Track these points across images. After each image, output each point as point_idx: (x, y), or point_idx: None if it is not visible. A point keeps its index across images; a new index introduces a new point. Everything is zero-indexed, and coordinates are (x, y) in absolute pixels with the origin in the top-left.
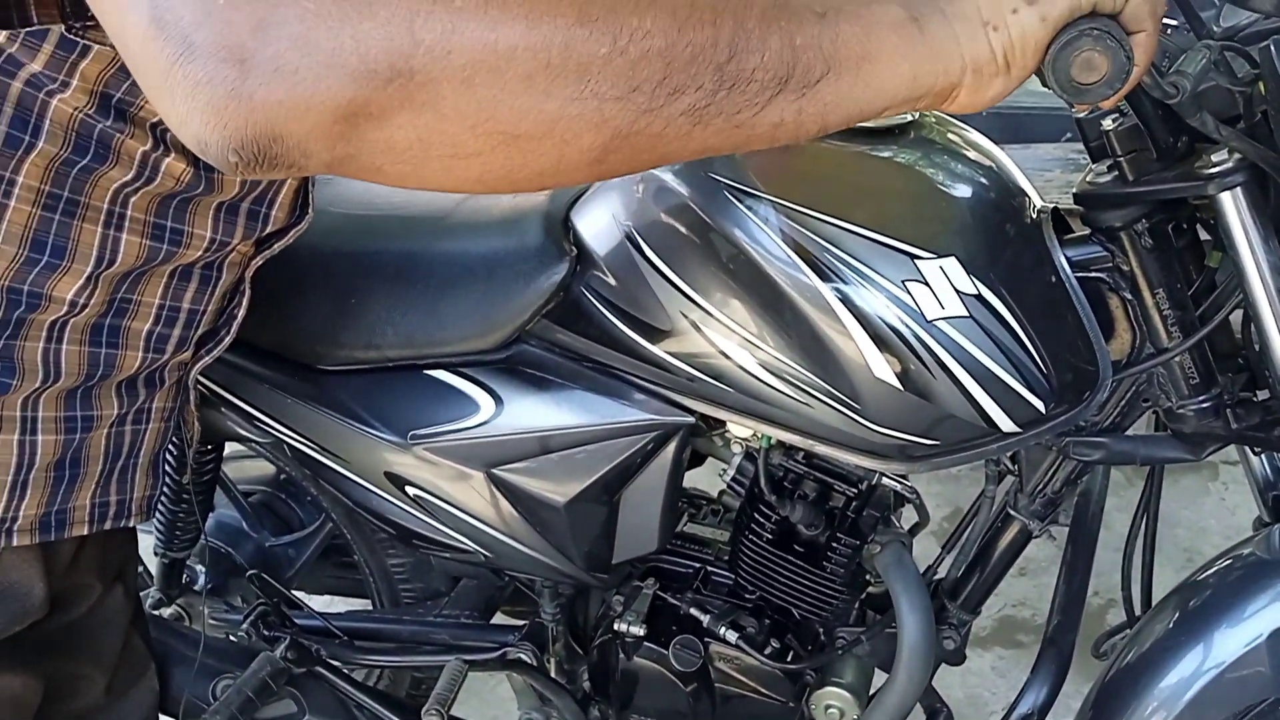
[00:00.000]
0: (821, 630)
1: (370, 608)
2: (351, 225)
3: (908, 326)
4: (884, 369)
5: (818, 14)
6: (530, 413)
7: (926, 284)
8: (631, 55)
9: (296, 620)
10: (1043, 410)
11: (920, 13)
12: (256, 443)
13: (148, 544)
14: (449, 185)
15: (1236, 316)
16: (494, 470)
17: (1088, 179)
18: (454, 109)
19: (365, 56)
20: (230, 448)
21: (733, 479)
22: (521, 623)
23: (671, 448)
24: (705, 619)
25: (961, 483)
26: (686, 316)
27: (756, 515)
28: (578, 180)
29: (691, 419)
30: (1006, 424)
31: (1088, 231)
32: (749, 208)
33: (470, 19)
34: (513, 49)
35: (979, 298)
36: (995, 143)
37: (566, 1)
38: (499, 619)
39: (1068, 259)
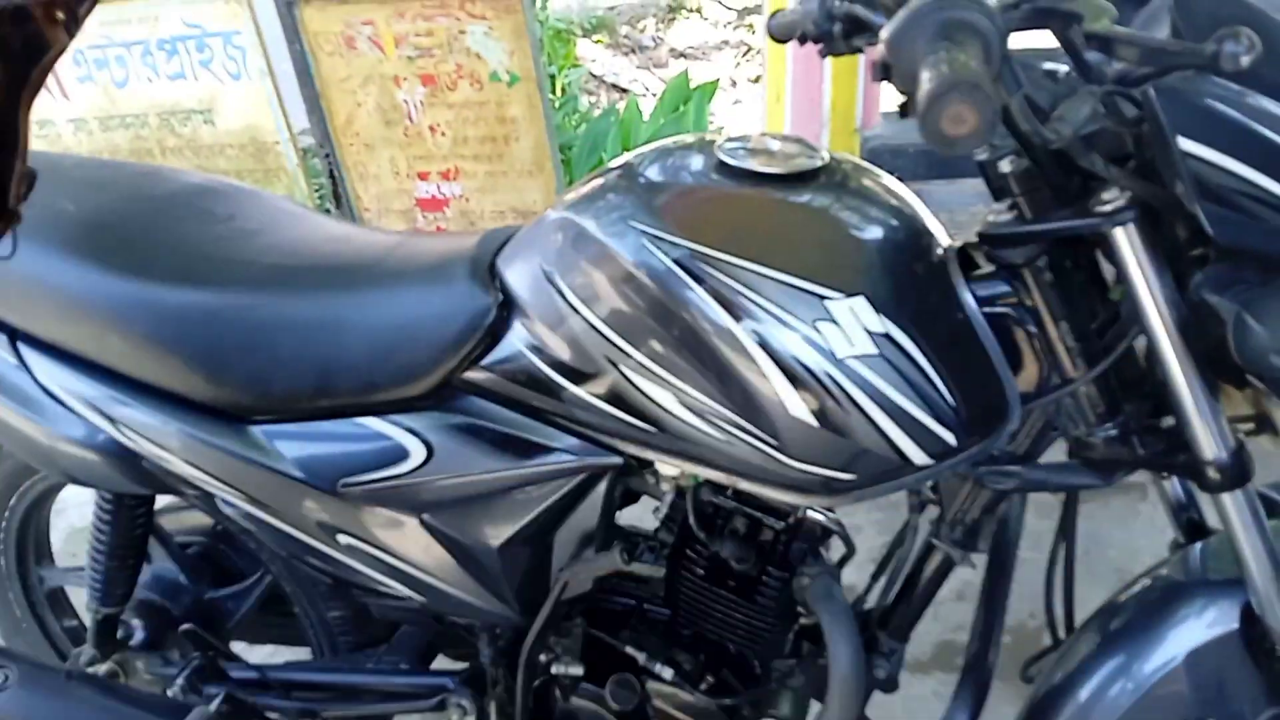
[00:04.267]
0: (756, 663)
1: (309, 658)
2: (279, 275)
3: (820, 365)
4: (799, 407)
5: None
6: (461, 458)
7: (836, 323)
8: None
9: (232, 674)
10: (954, 442)
11: None
12: (188, 495)
13: (81, 599)
14: None
15: (1142, 345)
16: (426, 516)
17: (989, 217)
18: None
19: None
20: (169, 499)
21: (666, 516)
22: (461, 666)
23: (602, 488)
24: (641, 656)
25: (900, 510)
26: (610, 359)
27: (689, 551)
28: None
29: (620, 459)
30: (919, 457)
31: (993, 268)
32: (666, 253)
33: None
34: None
35: (887, 336)
36: (922, 178)
37: None
38: (440, 663)
39: (974, 295)
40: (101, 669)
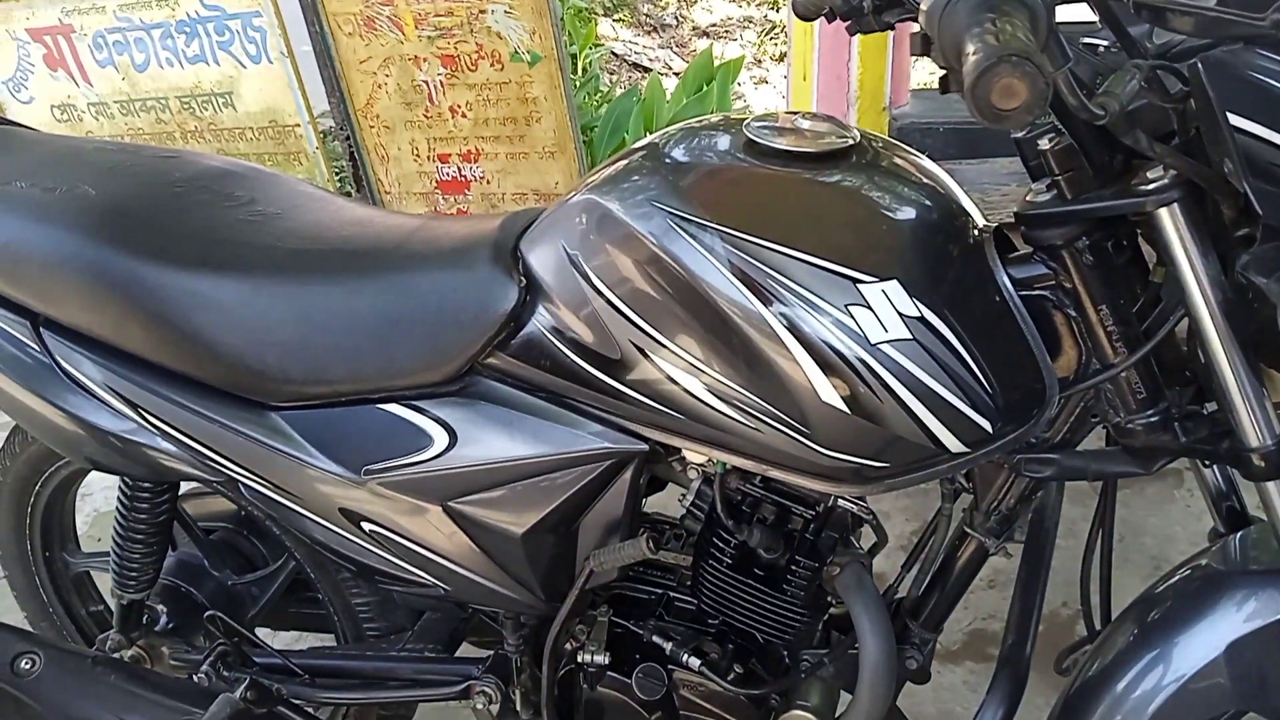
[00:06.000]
0: (785, 653)
1: (334, 644)
2: (301, 261)
3: (852, 350)
4: (830, 393)
5: None
6: (484, 445)
7: (869, 307)
8: None
9: (257, 660)
10: (990, 430)
11: None
12: (211, 481)
13: (107, 584)
14: None
15: (1183, 329)
16: (450, 503)
17: (1028, 198)
18: None
19: None
20: (192, 484)
21: (692, 504)
22: (485, 654)
23: (628, 475)
24: (668, 646)
25: (930, 497)
26: (636, 345)
27: (716, 540)
28: None
29: (645, 446)
30: (954, 445)
31: (1031, 250)
32: (693, 236)
33: None
34: None
35: (922, 320)
36: (953, 158)
37: None
38: (465, 651)
39: (1011, 278)
40: (127, 654)
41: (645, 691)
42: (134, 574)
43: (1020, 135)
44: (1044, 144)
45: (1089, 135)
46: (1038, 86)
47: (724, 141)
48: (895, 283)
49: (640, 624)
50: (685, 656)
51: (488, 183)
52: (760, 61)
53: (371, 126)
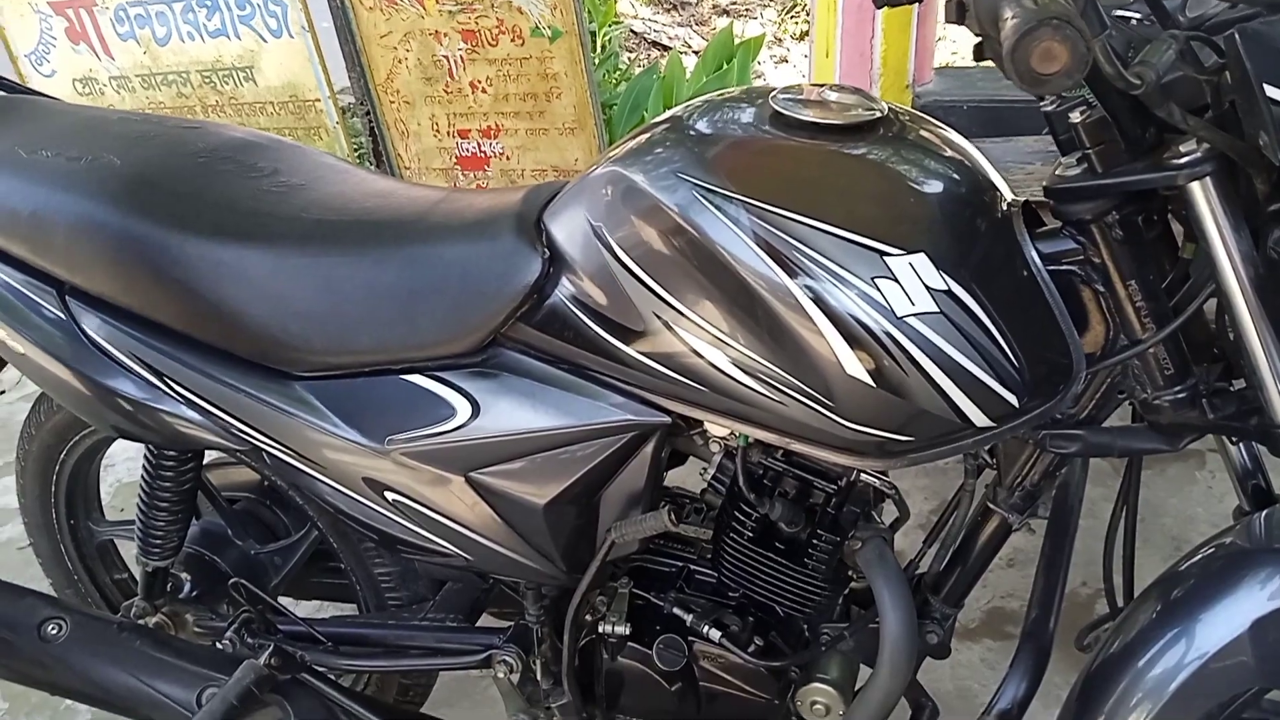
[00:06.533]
0: (805, 627)
1: (356, 613)
2: (325, 231)
3: (878, 323)
4: (856, 366)
5: None
6: (507, 416)
7: (896, 280)
8: None
9: (281, 627)
10: (1016, 404)
11: None
12: (235, 450)
13: (130, 552)
14: None
15: (1211, 306)
16: (472, 474)
17: (1057, 172)
18: None
19: None
20: (216, 454)
21: (713, 477)
22: (506, 624)
23: (649, 448)
24: (689, 618)
25: (949, 475)
26: (659, 317)
27: (737, 513)
28: None
29: (668, 419)
30: (980, 419)
31: (1059, 225)
32: (718, 207)
33: None
34: None
35: (949, 293)
36: (976, 136)
37: None
38: (485, 621)
39: (1039, 252)
40: (151, 620)
41: (666, 662)
42: (159, 541)
43: (1050, 109)
44: (1075, 117)
45: (1122, 107)
46: (1079, 51)
47: (749, 113)
48: (923, 256)
49: (660, 596)
50: (706, 628)
51: (507, 159)
52: (780, 40)
53: (391, 102)
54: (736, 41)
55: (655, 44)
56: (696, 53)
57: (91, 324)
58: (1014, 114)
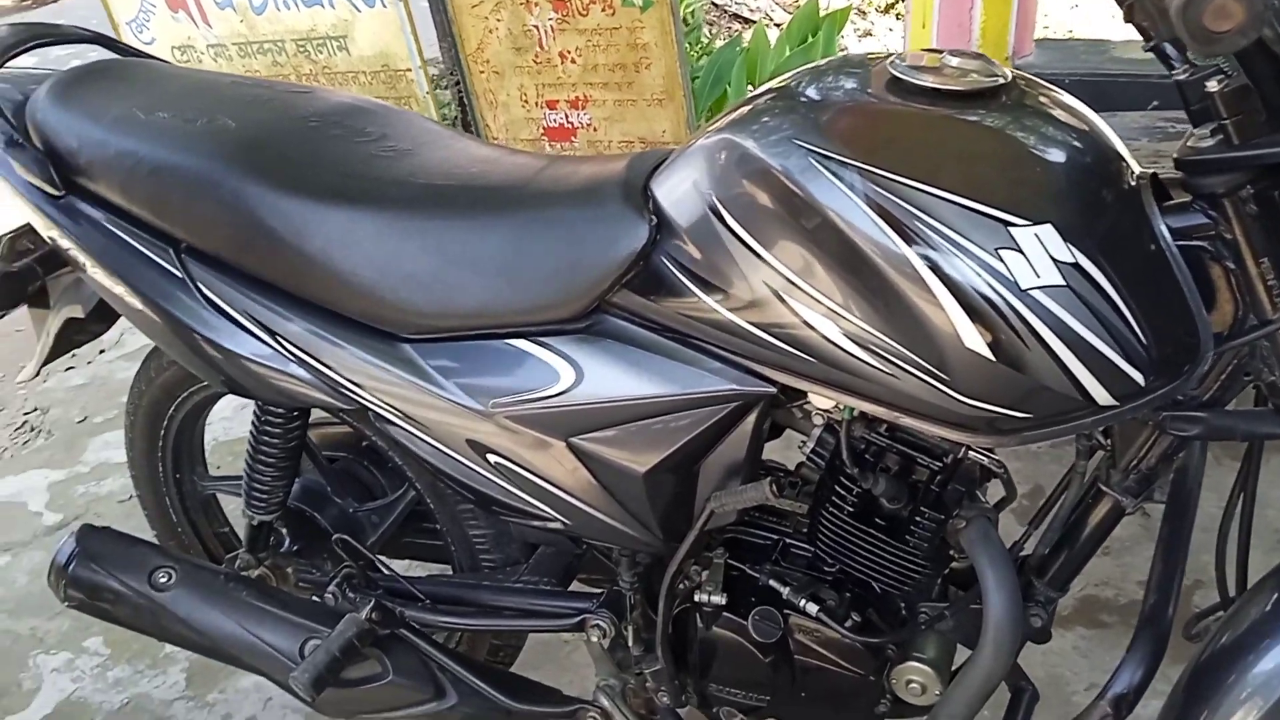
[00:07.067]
0: (903, 604)
1: (450, 575)
2: (432, 196)
3: (1001, 296)
4: (975, 339)
5: None
6: (610, 382)
7: (1021, 252)
8: None
9: (380, 583)
10: (1141, 383)
11: None
12: (341, 409)
13: (231, 507)
14: None
15: None
16: (573, 439)
17: (1189, 143)
18: None
19: None
20: (316, 414)
21: (813, 451)
22: (599, 590)
23: (752, 418)
24: (785, 591)
25: (1042, 459)
26: (769, 286)
27: (837, 488)
28: None
29: (773, 389)
30: (1103, 397)
31: (1189, 198)
32: (834, 174)
33: None
34: None
35: (1076, 266)
36: None
37: None
38: (576, 587)
39: (1168, 227)
40: (254, 573)
41: (761, 634)
42: (264, 496)
43: (1184, 77)
44: (1212, 85)
45: (1268, 75)
46: (1255, 9)
47: (865, 79)
48: (1049, 227)
49: (755, 568)
50: (802, 601)
51: (594, 130)
52: (865, 13)
53: (481, 71)
54: (821, 14)
55: (737, 17)
56: (779, 25)
57: (206, 282)
58: (1118, 88)
